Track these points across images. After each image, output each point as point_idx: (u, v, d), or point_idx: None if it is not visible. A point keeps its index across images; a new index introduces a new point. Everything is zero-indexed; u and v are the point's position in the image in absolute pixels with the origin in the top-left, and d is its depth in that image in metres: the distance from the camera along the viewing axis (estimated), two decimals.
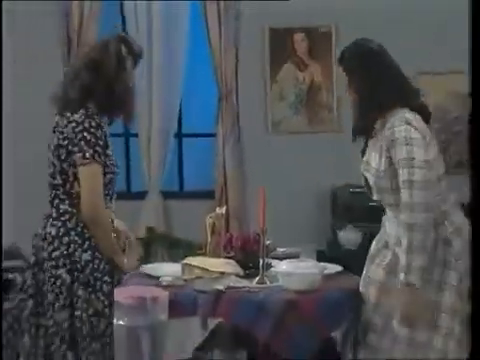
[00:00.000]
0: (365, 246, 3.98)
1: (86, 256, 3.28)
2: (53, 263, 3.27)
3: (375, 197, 3.52)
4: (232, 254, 3.83)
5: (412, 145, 3.20)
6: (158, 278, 3.65)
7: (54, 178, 3.39)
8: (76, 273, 3.25)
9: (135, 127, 5.46)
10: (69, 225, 3.34)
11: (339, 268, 3.98)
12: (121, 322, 2.05)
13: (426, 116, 3.38)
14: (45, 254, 3.31)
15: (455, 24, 5.26)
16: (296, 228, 5.04)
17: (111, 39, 3.66)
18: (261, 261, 3.69)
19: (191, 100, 5.64)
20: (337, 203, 5.12)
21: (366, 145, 3.52)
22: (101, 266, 3.31)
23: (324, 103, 5.49)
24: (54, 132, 3.39)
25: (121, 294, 2.06)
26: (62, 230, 3.33)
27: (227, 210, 4.29)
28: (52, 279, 3.26)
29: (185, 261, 3.71)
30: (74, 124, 3.33)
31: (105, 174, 3.38)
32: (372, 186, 3.45)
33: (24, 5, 5.41)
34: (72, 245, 3.30)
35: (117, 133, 5.49)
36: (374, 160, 3.40)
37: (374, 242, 3.57)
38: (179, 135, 5.65)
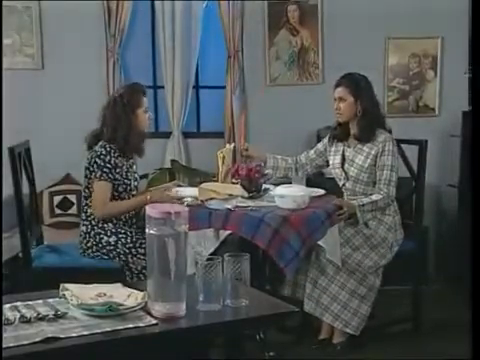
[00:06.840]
0: None
1: (111, 240, 3.65)
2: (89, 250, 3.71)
3: (347, 184, 4.00)
4: (238, 180, 3.84)
5: (395, 157, 3.89)
6: (180, 199, 3.68)
7: (84, 192, 3.73)
8: (111, 253, 3.65)
9: (162, 81, 5.41)
10: (94, 223, 3.68)
11: (322, 191, 4.00)
12: (152, 231, 2.07)
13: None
14: (84, 242, 3.72)
15: None
16: None
17: (115, 94, 3.84)
18: (261, 186, 3.70)
19: (206, 59, 5.59)
20: (320, 141, 5.09)
21: (343, 152, 4.01)
22: (128, 240, 3.66)
23: (311, 62, 5.44)
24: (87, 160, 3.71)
25: (152, 210, 2.07)
26: (89, 227, 3.69)
27: (234, 146, 4.27)
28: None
29: (201, 186, 3.73)
30: (93, 153, 3.67)
31: (119, 185, 3.68)
32: (352, 176, 3.95)
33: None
34: (97, 236, 3.67)
35: (148, 85, 5.45)
36: (359, 160, 3.91)
37: None
38: (196, 87, 5.61)
